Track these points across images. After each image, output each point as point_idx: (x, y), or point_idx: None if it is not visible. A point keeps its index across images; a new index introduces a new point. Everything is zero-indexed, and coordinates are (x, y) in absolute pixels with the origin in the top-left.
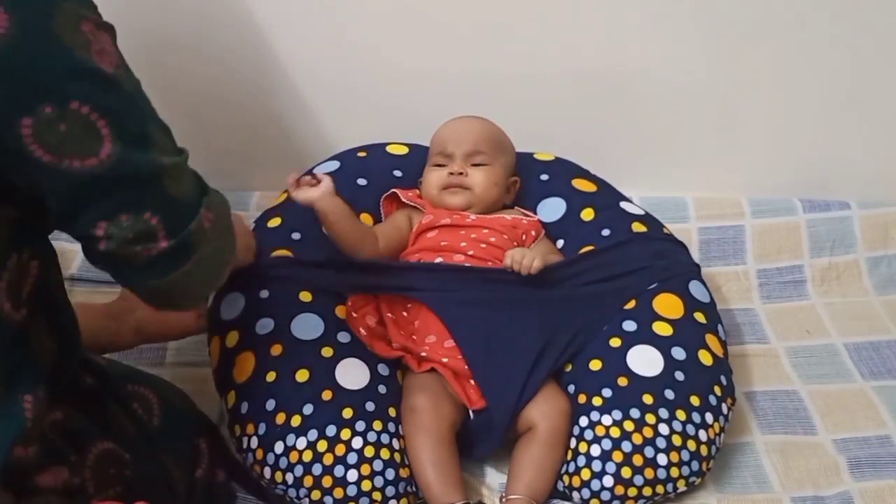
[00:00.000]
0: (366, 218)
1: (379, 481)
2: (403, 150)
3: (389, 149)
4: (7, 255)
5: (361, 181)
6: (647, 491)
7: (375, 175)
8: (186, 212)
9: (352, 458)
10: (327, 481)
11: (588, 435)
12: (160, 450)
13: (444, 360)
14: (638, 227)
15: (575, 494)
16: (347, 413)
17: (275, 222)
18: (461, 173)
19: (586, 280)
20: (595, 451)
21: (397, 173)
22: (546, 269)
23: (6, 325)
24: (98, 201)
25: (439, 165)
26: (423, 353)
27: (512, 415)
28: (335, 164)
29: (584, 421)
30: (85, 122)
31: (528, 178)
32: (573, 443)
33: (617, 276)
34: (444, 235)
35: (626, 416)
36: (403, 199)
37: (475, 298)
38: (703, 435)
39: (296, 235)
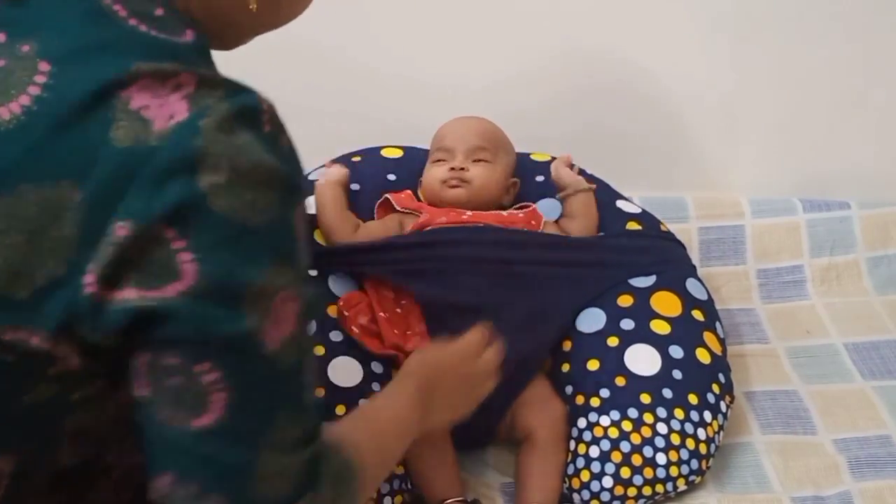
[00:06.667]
0: None
1: None
2: (398, 153)
3: (384, 152)
4: None
5: (354, 186)
6: (647, 491)
7: (368, 179)
8: None
9: None
10: None
11: (587, 436)
12: None
13: None
14: (633, 226)
15: (575, 496)
16: (340, 410)
17: None
18: (462, 168)
19: (568, 260)
20: (594, 452)
21: (391, 177)
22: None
23: None
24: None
25: (440, 161)
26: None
27: (500, 410)
28: None
29: (582, 422)
30: (202, 389)
31: (524, 179)
32: (572, 444)
33: (596, 265)
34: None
35: (625, 417)
36: (397, 207)
37: (461, 300)
38: (701, 433)
39: None
